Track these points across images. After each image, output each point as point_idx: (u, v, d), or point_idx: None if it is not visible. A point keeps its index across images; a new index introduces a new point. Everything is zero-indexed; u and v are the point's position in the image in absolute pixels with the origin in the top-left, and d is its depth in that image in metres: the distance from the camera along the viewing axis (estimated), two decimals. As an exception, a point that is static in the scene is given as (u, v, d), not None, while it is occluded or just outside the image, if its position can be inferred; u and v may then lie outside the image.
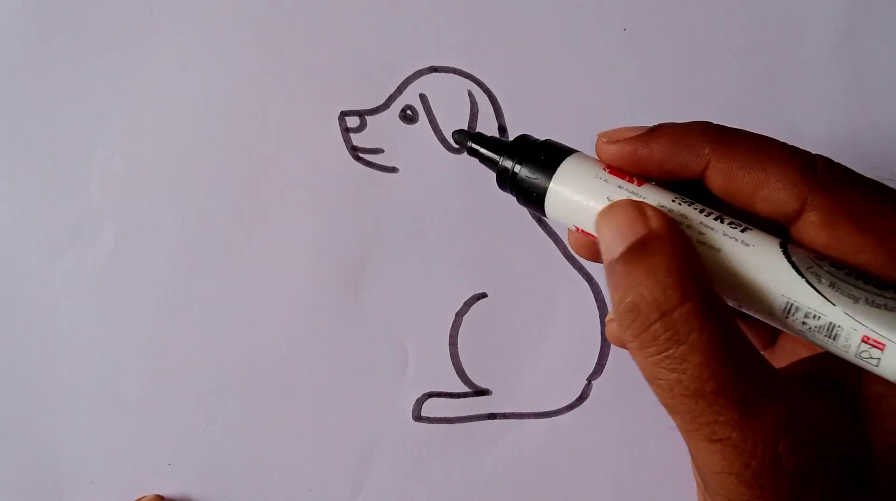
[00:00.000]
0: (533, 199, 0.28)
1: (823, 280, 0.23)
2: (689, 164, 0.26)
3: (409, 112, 0.40)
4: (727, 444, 0.22)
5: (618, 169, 0.27)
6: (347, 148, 0.40)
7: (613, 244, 0.25)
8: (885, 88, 0.39)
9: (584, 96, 0.39)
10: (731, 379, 0.22)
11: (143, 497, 0.39)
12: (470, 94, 0.39)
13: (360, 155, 0.40)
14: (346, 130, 0.40)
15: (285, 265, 0.39)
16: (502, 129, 0.39)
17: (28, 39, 0.40)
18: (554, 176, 0.27)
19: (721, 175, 0.25)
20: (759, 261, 0.24)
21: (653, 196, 0.26)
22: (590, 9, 0.39)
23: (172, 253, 0.39)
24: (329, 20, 0.39)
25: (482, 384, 0.39)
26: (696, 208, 0.25)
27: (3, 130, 0.40)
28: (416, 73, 0.39)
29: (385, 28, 0.39)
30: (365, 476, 0.39)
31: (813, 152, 0.25)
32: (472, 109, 0.39)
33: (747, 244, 0.24)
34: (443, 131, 0.39)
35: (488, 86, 0.39)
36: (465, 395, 0.39)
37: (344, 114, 0.40)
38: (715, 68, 0.39)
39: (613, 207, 0.26)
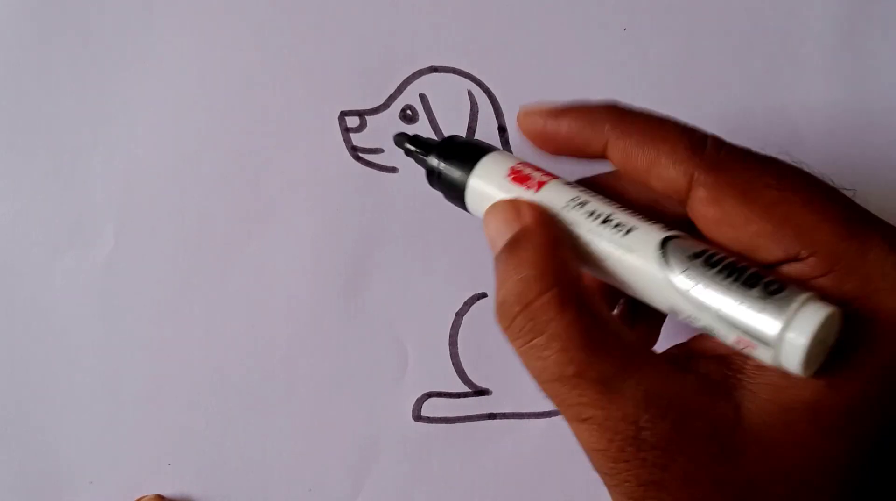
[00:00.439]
0: (455, 195, 0.30)
1: (696, 285, 0.24)
2: (591, 141, 0.27)
3: (409, 112, 0.40)
4: (592, 423, 0.24)
5: (527, 164, 0.29)
6: (347, 148, 0.40)
7: (493, 242, 0.27)
8: (885, 88, 0.39)
9: (583, 96, 0.39)
10: (590, 363, 0.24)
11: (143, 497, 0.39)
12: (470, 94, 0.39)
13: (360, 155, 0.40)
14: (346, 130, 0.40)
15: (285, 265, 0.39)
16: (502, 129, 0.39)
17: (28, 39, 0.40)
18: (471, 173, 0.29)
19: (619, 153, 0.27)
20: (638, 269, 0.25)
21: (549, 197, 0.27)
22: (590, 9, 0.39)
23: (172, 253, 0.39)
24: (329, 20, 0.39)
25: (482, 384, 0.39)
26: (587, 213, 0.26)
27: (3, 130, 0.40)
28: (416, 73, 0.39)
29: (385, 28, 0.39)
30: (365, 476, 0.39)
31: (707, 132, 0.26)
32: (472, 109, 0.39)
33: (629, 251, 0.25)
34: (443, 131, 0.39)
35: (488, 86, 0.39)
36: (465, 395, 0.39)
37: (344, 114, 0.40)
38: (715, 68, 0.39)
39: (494, 206, 0.28)
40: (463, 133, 0.39)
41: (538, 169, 0.29)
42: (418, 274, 0.39)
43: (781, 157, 0.26)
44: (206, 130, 0.39)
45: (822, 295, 0.23)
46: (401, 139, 0.33)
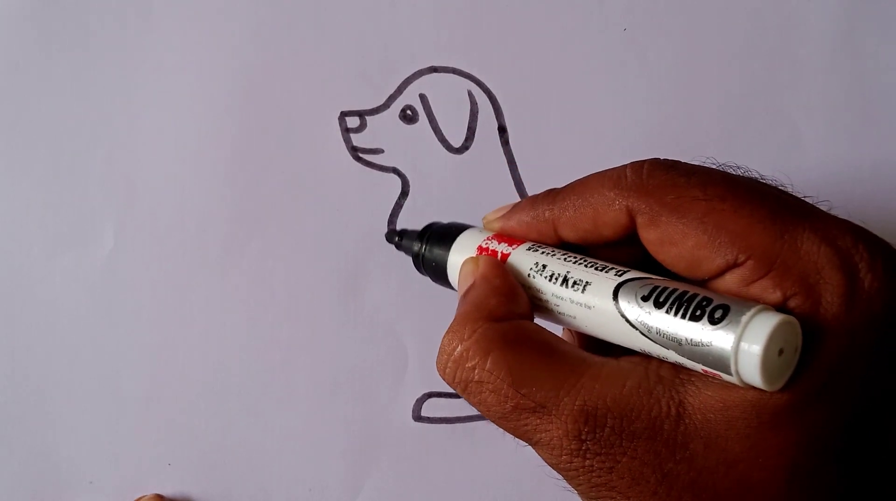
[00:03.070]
0: (438, 273, 0.32)
1: (651, 328, 0.25)
2: (542, 229, 0.29)
3: (409, 112, 0.40)
4: (541, 444, 0.26)
5: (496, 236, 0.31)
6: (347, 148, 0.40)
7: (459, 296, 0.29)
8: (885, 88, 0.39)
9: (583, 96, 0.39)
10: (523, 395, 0.25)
11: (143, 496, 0.39)
12: (470, 94, 0.39)
13: (360, 155, 0.40)
14: (346, 131, 0.40)
15: (285, 265, 0.39)
16: (502, 129, 0.39)
17: (28, 39, 0.40)
18: (451, 249, 0.32)
19: (567, 229, 0.28)
20: (602, 323, 0.26)
21: (512, 267, 0.29)
22: (590, 9, 0.39)
23: (172, 253, 0.39)
24: (329, 20, 0.39)
25: (482, 384, 0.39)
26: (547, 277, 0.28)
27: (3, 130, 0.40)
28: (416, 73, 0.39)
29: (385, 28, 0.39)
30: (365, 476, 0.39)
31: (627, 163, 0.27)
32: (472, 109, 0.39)
33: (589, 307, 0.27)
34: (443, 131, 0.39)
35: (488, 86, 0.39)
36: (465, 395, 0.39)
37: (344, 114, 0.40)
38: (715, 68, 0.39)
39: (463, 264, 0.30)
40: (463, 133, 0.39)
41: (503, 239, 0.30)
42: (418, 274, 0.39)
43: (707, 163, 0.27)
44: (207, 130, 0.39)
45: (777, 306, 0.23)
46: (391, 235, 0.36)
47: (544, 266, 0.28)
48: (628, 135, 0.39)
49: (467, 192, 0.39)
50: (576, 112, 0.39)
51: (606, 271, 0.27)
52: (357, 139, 0.39)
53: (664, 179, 0.26)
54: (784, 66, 0.39)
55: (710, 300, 0.24)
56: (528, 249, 0.29)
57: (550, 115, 0.39)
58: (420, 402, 0.39)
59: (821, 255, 0.24)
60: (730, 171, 0.27)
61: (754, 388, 0.23)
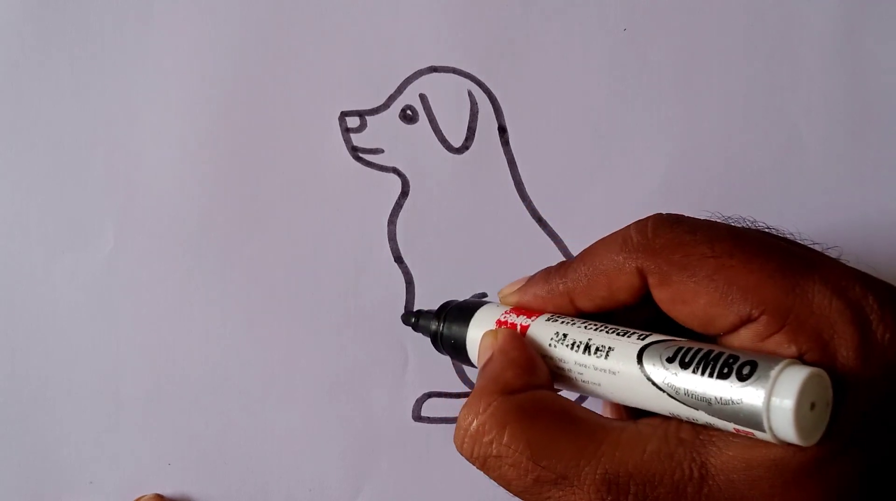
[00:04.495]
0: (459, 350, 0.32)
1: (679, 390, 0.24)
2: (560, 304, 0.29)
3: (409, 112, 0.40)
4: None
5: (514, 309, 0.31)
6: (347, 148, 0.40)
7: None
8: (885, 88, 0.39)
9: (583, 96, 0.39)
10: (543, 467, 0.25)
11: (143, 496, 0.39)
12: (470, 94, 0.39)
13: (360, 155, 0.40)
14: (346, 131, 0.40)
15: (285, 265, 0.39)
16: (502, 129, 0.39)
17: (28, 39, 0.40)
18: (469, 325, 0.32)
19: (583, 299, 0.28)
20: (627, 388, 0.26)
21: (532, 339, 0.29)
22: (590, 9, 0.39)
23: (172, 253, 0.39)
24: (329, 20, 0.39)
25: (482, 384, 0.39)
26: (569, 345, 0.28)
27: (3, 130, 0.40)
28: (416, 73, 0.39)
29: (385, 28, 0.39)
30: (365, 476, 0.39)
31: (629, 223, 0.27)
32: (472, 109, 0.39)
33: (614, 373, 0.26)
34: (443, 131, 0.39)
35: (488, 86, 0.39)
36: (465, 395, 0.39)
37: (344, 114, 0.40)
38: (715, 68, 0.39)
39: (482, 338, 0.30)
40: (463, 133, 0.39)
41: (522, 312, 0.30)
42: (418, 274, 0.39)
43: (712, 217, 0.27)
44: (206, 130, 0.39)
45: (803, 360, 0.23)
46: (407, 317, 0.36)
47: (565, 335, 0.28)
48: (628, 135, 0.39)
49: (467, 192, 0.39)
50: (576, 112, 0.39)
51: (629, 336, 0.26)
52: (357, 139, 0.39)
53: (670, 237, 0.26)
54: (784, 66, 0.39)
55: (736, 358, 0.24)
56: (548, 319, 0.29)
57: (550, 115, 0.39)
58: (420, 402, 0.39)
59: (832, 309, 0.24)
60: (734, 224, 0.27)
61: (789, 444, 0.23)
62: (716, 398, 0.23)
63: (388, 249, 0.39)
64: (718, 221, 0.27)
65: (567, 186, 0.39)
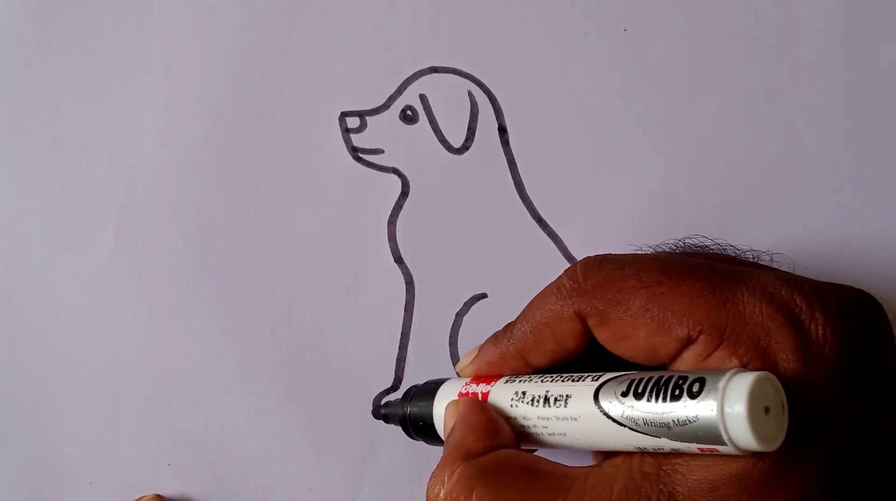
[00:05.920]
0: (429, 430, 0.33)
1: (638, 420, 0.25)
2: (514, 365, 0.30)
3: (409, 112, 0.40)
4: None
5: (474, 379, 0.31)
6: (347, 148, 0.40)
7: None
8: (885, 88, 0.39)
9: (583, 96, 0.39)
10: None
11: (143, 497, 0.39)
12: (470, 94, 0.39)
13: (360, 155, 0.40)
14: (346, 131, 0.40)
15: (285, 265, 0.39)
16: (502, 129, 0.39)
17: (28, 40, 0.40)
18: (433, 402, 0.33)
19: (534, 356, 0.29)
20: (592, 431, 0.26)
21: (494, 403, 0.30)
22: (590, 9, 0.39)
23: (172, 253, 0.39)
24: (329, 20, 0.39)
25: (482, 384, 0.39)
26: (529, 402, 0.28)
27: (3, 130, 0.40)
28: (416, 73, 0.39)
29: (385, 28, 0.39)
30: (365, 476, 0.39)
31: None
32: (472, 110, 0.39)
33: (575, 418, 0.27)
34: (443, 132, 0.39)
35: (488, 86, 0.39)
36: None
37: (344, 114, 0.40)
38: (715, 68, 0.39)
39: (445, 411, 0.31)
40: (463, 133, 0.39)
41: (481, 380, 0.31)
42: (418, 274, 0.39)
43: (638, 251, 0.27)
44: (207, 130, 0.39)
45: (749, 368, 0.24)
46: (376, 411, 0.38)
47: (524, 393, 0.29)
48: (628, 135, 0.39)
49: (467, 192, 0.39)
50: (576, 112, 0.39)
51: (583, 380, 0.27)
52: (357, 139, 0.39)
53: (600, 276, 0.27)
54: (784, 66, 0.39)
55: (685, 378, 0.24)
56: (506, 382, 0.30)
57: (550, 115, 0.39)
58: (420, 402, 0.39)
59: (765, 316, 0.24)
60: (662, 250, 0.28)
61: (753, 453, 0.23)
62: (673, 420, 0.24)
63: (388, 249, 0.39)
64: (643, 253, 0.27)
65: (567, 186, 0.39)
